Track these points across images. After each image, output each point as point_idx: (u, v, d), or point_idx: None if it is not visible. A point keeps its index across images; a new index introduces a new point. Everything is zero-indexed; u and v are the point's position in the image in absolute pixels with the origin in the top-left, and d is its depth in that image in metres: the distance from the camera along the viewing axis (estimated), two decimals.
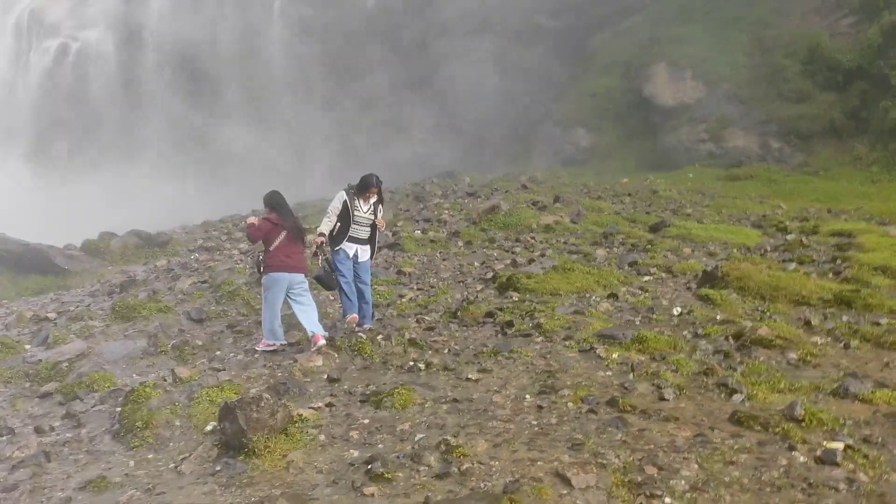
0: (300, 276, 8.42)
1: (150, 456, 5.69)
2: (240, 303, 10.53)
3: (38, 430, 6.54)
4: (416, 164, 33.45)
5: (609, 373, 6.64)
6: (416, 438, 5.33)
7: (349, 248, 8.72)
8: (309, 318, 8.30)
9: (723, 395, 6.00)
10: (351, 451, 5.28)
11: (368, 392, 6.57)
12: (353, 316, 8.73)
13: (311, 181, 32.65)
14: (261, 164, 34.89)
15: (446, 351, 7.80)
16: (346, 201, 8.70)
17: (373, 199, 8.82)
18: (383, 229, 8.92)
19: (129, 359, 8.35)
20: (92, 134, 40.10)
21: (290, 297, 8.39)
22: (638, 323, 8.44)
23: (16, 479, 5.28)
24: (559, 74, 34.16)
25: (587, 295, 9.96)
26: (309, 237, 9.35)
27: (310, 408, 6.26)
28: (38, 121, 40.66)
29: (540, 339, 7.85)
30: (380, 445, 5.34)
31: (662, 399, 5.89)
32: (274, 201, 8.49)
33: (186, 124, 38.75)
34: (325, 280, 8.72)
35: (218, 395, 6.57)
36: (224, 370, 7.64)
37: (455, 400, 6.14)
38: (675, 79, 30.28)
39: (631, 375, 6.52)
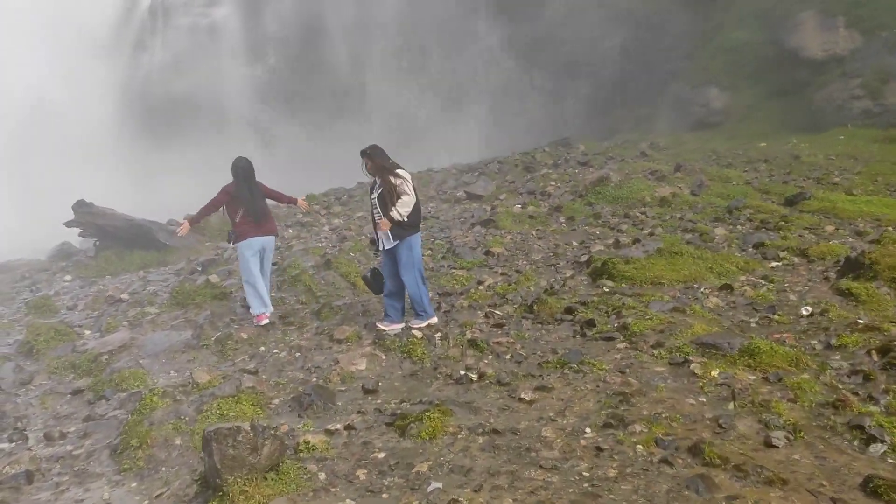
0: (272, 239, 8.48)
1: (133, 485, 4.87)
2: (301, 289, 9.70)
3: (48, 437, 5.95)
4: (530, 131, 31.72)
5: (702, 399, 5.15)
6: (429, 489, 4.16)
7: (379, 238, 7.52)
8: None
9: (856, 444, 4.40)
10: (347, 501, 4.20)
11: (399, 412, 5.46)
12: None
13: (421, 155, 31.55)
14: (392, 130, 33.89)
15: (508, 356, 6.55)
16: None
17: (369, 171, 7.39)
18: (384, 229, 7.28)
19: (170, 352, 7.69)
20: (226, 105, 40.89)
21: None
22: (753, 326, 6.81)
23: None
24: (689, 29, 31.09)
25: (695, 285, 8.34)
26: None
27: (325, 430, 5.25)
28: (174, 100, 42.07)
29: (623, 345, 6.43)
30: (384, 495, 4.22)
31: (769, 446, 4.39)
32: (233, 169, 8.32)
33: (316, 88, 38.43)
34: (369, 281, 7.62)
35: (231, 408, 5.70)
36: (256, 372, 6.78)
37: (495, 431, 4.90)
38: (824, 28, 26.65)
39: (731, 405, 5.00)
